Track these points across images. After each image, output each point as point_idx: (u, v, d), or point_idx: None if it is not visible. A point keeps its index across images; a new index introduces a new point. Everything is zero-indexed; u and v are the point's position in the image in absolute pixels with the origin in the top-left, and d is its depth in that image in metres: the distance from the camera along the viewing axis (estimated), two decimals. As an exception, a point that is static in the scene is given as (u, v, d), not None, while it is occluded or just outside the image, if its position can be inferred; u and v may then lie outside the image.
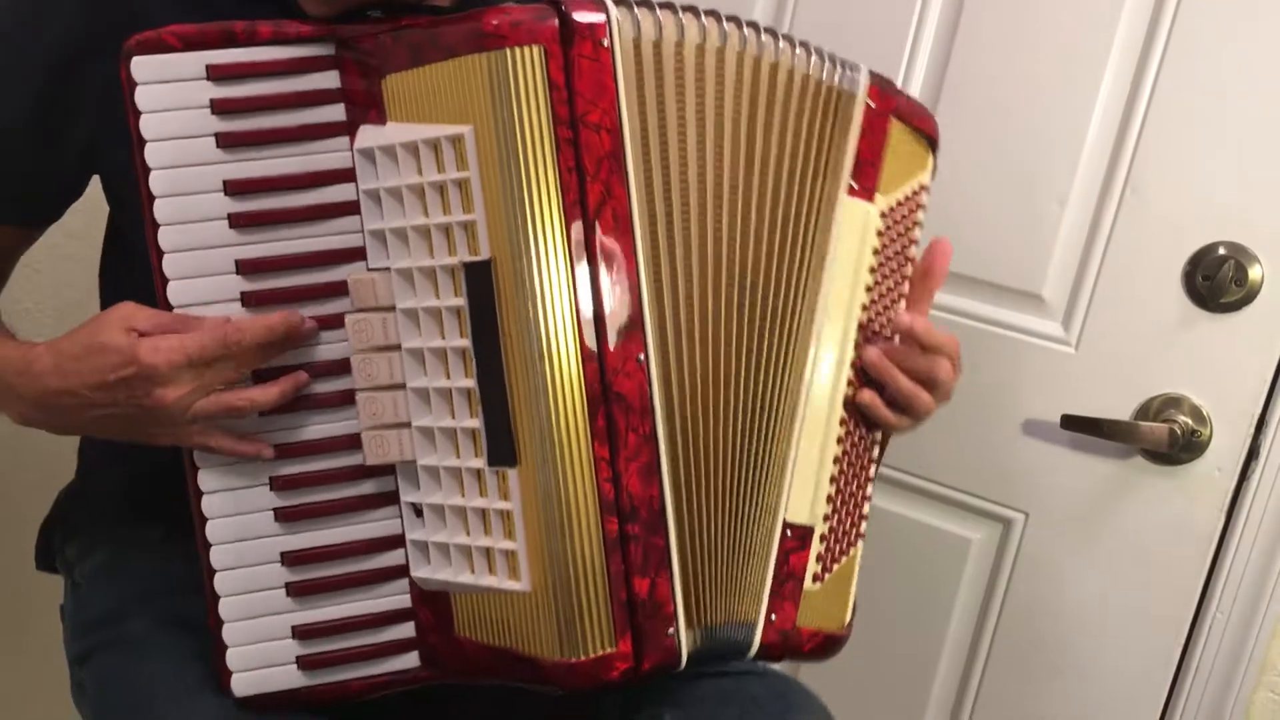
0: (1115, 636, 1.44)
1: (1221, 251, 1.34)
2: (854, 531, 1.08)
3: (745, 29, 1.00)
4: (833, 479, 1.04)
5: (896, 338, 1.07)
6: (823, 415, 1.03)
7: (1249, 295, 1.34)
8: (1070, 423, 1.41)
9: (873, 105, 1.06)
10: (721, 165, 0.98)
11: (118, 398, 0.91)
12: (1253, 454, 1.36)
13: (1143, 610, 1.42)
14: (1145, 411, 1.40)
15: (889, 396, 1.06)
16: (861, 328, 1.05)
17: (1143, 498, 1.41)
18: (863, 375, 1.06)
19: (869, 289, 1.05)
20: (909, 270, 1.09)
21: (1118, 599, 1.43)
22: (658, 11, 0.95)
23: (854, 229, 1.04)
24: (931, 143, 1.11)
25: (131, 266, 1.05)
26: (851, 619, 1.11)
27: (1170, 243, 1.37)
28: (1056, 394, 1.44)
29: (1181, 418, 1.37)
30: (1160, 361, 1.39)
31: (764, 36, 1.01)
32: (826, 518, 1.05)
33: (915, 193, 1.10)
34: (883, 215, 1.06)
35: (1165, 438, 1.35)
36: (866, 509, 1.09)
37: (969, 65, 1.45)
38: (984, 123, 1.45)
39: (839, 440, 1.04)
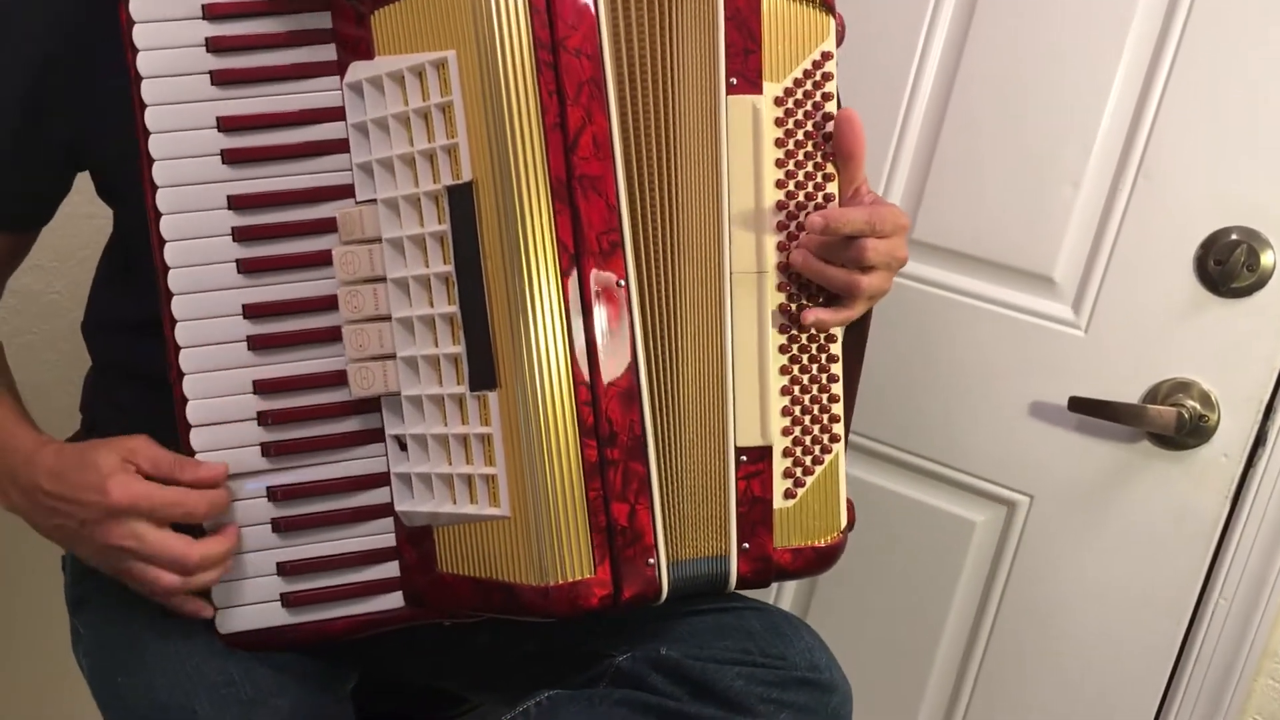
0: (1117, 621, 1.44)
1: (1234, 236, 1.34)
2: (825, 438, 1.07)
3: None
4: (785, 390, 1.04)
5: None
6: (753, 330, 1.03)
7: (1260, 280, 1.33)
8: (1078, 405, 1.40)
9: None
10: (671, 92, 0.99)
11: (74, 512, 0.96)
12: (1260, 440, 1.35)
13: (1145, 595, 1.42)
14: (1154, 396, 1.39)
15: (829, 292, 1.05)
16: (782, 226, 1.03)
17: (1148, 482, 1.41)
18: (797, 279, 1.04)
19: (780, 184, 1.03)
20: (830, 147, 1.05)
21: (1121, 583, 1.43)
22: None
23: (743, 128, 1.02)
24: (827, 6, 1.06)
25: (131, 267, 1.08)
26: (848, 526, 1.11)
27: (1182, 227, 1.37)
28: (1065, 377, 1.44)
29: (1190, 402, 1.36)
30: (1170, 346, 1.38)
31: None
32: (787, 431, 1.04)
33: (817, 64, 1.05)
34: (778, 101, 1.03)
35: (1173, 421, 1.34)
36: (837, 409, 1.08)
37: (985, 47, 1.46)
38: (999, 104, 1.45)
39: (782, 350, 1.04)
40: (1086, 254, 1.42)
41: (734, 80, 1.01)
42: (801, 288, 1.04)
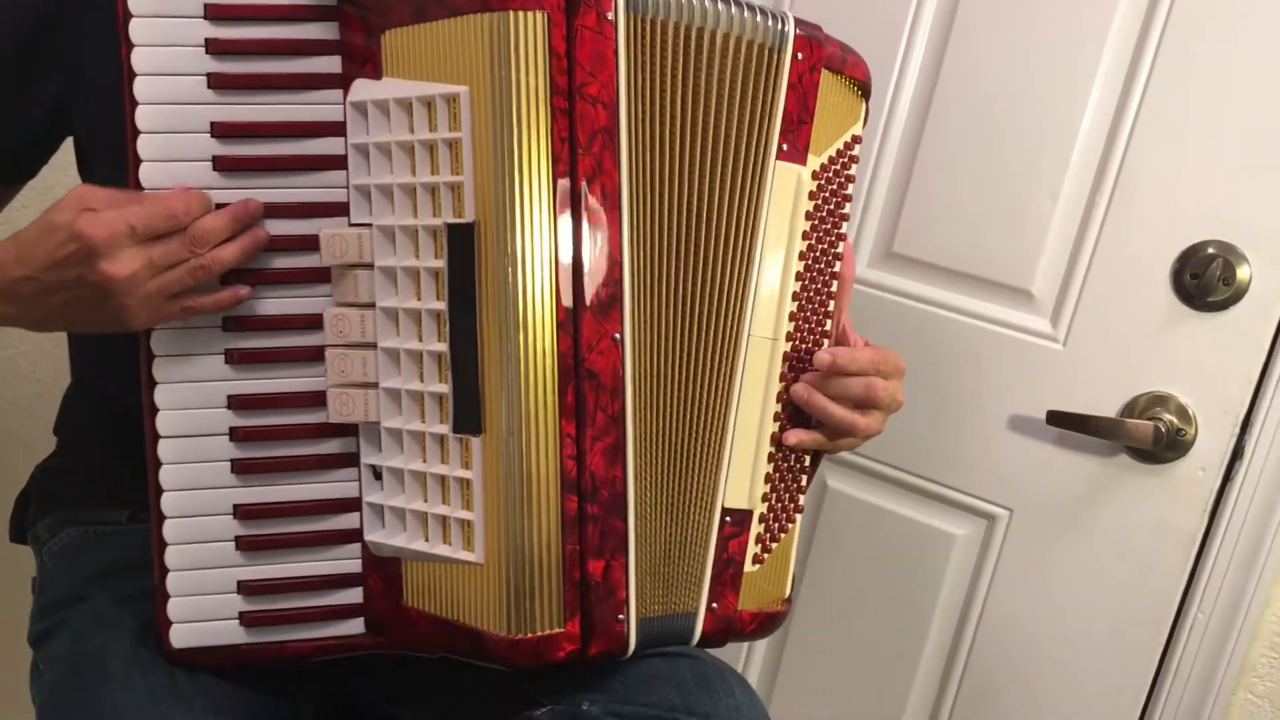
0: (1097, 635, 1.45)
1: (1210, 250, 1.35)
2: (792, 507, 1.08)
3: (729, 5, 1.00)
4: (770, 457, 1.05)
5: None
6: (758, 394, 1.03)
7: (1236, 294, 1.35)
8: (1056, 419, 1.41)
9: (800, 58, 1.03)
10: (695, 145, 0.98)
11: (67, 277, 0.89)
12: (1237, 454, 1.37)
13: (1124, 609, 1.43)
14: (1131, 409, 1.40)
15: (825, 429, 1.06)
16: (797, 297, 1.04)
17: (1127, 496, 1.42)
18: (802, 353, 1.06)
19: (802, 255, 1.04)
20: (843, 229, 1.08)
21: (1100, 597, 1.44)
22: None
23: (784, 196, 1.03)
24: (864, 90, 1.09)
25: None
26: (791, 594, 1.11)
27: (1159, 241, 1.38)
28: (1043, 390, 1.45)
29: (1167, 416, 1.37)
30: (1147, 359, 1.40)
31: (734, 9, 1.00)
32: (765, 497, 1.05)
33: (848, 145, 1.08)
34: (814, 175, 1.04)
35: (1150, 435, 1.36)
36: (805, 482, 1.09)
37: (963, 59, 1.47)
38: (977, 117, 1.46)
39: (775, 418, 1.05)
40: (1064, 267, 1.44)
41: (784, 146, 1.02)
42: (802, 360, 1.05)
